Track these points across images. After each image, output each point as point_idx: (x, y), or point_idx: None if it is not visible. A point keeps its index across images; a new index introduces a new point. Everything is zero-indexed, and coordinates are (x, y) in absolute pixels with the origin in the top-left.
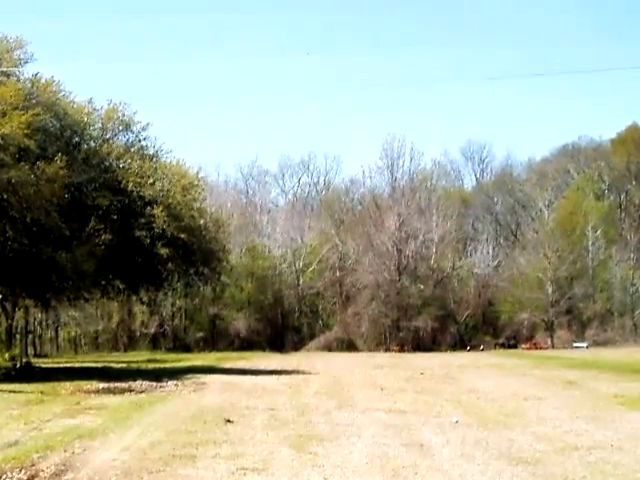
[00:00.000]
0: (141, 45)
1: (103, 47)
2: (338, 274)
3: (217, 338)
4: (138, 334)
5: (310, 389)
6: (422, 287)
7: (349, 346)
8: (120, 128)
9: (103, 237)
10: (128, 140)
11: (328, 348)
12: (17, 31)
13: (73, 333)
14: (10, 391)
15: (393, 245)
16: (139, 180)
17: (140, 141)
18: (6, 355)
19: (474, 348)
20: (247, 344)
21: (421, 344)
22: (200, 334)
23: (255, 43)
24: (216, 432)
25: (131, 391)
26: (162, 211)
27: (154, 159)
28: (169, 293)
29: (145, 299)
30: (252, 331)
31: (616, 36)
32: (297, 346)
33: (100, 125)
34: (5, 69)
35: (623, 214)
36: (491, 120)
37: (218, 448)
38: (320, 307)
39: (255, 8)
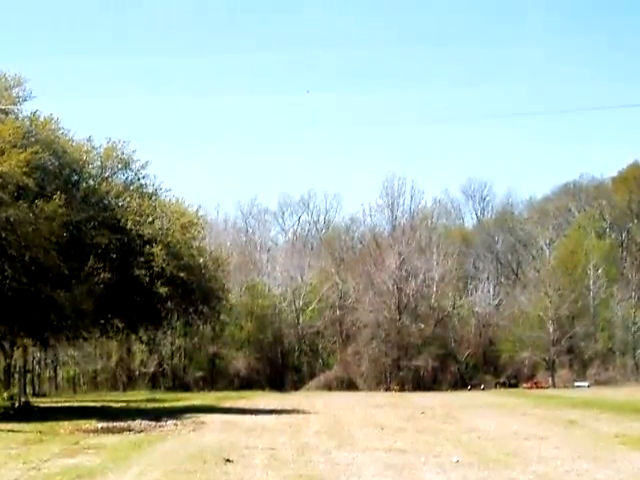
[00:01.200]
0: (141, 83)
1: (102, 84)
2: (338, 313)
3: (217, 377)
4: (137, 373)
5: (310, 428)
6: (423, 326)
7: (349, 385)
8: (119, 166)
9: (102, 276)
10: (127, 178)
11: (328, 387)
12: (16, 68)
13: (72, 372)
14: (9, 430)
15: (393, 284)
16: (138, 218)
17: (139, 179)
18: (4, 394)
19: (475, 387)
20: (247, 383)
21: (422, 383)
22: (199, 373)
23: (254, 81)
24: (216, 472)
25: (130, 430)
26: (161, 250)
27: (153, 197)
28: (168, 332)
29: (144, 338)
30: (252, 370)
31: (617, 74)
32: (297, 385)
33: (99, 163)
34: (4, 107)
35: (624, 253)
36: (492, 158)
37: None
38: (320, 346)
39: (254, 47)
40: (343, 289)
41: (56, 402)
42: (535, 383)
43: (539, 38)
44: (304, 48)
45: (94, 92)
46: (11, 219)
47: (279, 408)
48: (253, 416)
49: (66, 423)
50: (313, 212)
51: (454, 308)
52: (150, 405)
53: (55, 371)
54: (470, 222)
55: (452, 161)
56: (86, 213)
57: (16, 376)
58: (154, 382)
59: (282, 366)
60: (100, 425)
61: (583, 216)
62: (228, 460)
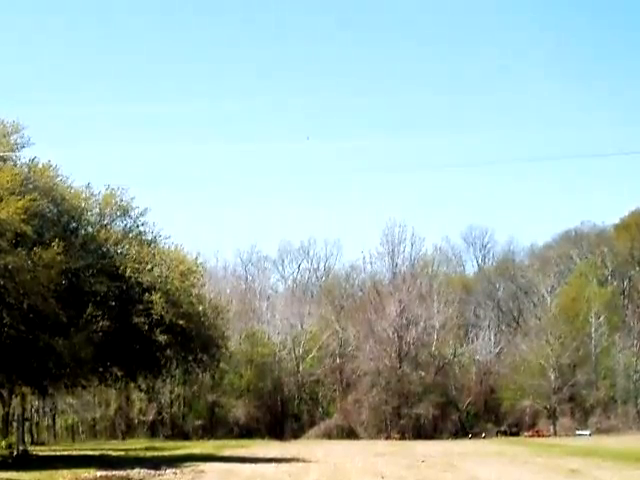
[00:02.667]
0: (140, 129)
1: (101, 131)
2: (338, 361)
3: (216, 425)
4: (136, 421)
5: (310, 477)
6: (423, 374)
7: (349, 433)
8: (118, 213)
9: (101, 324)
10: (126, 225)
11: (328, 436)
12: (14, 115)
13: (70, 420)
14: (7, 479)
15: (394, 332)
16: (137, 266)
17: (138, 226)
18: (3, 443)
19: (476, 435)
20: (246, 431)
21: (422, 431)
22: (199, 422)
23: (254, 128)
24: None
25: (129, 479)
26: (160, 297)
27: (152, 245)
28: (167, 380)
29: (143, 386)
30: (251, 418)
31: (619, 121)
32: (297, 434)
33: (98, 210)
34: (2, 154)
35: (626, 300)
36: (493, 205)
37: None
38: (320, 394)
39: (254, 93)
40: (343, 337)
41: (55, 450)
42: (536, 431)
43: (540, 86)
44: (304, 94)
45: (93, 139)
46: (9, 266)
47: (279, 457)
48: (252, 465)
49: (65, 472)
50: (313, 259)
51: (455, 356)
52: (149, 454)
53: (54, 419)
54: (471, 269)
55: (453, 208)
56: (85, 260)
57: (14, 424)
58: (153, 430)
59: (282, 414)
60: (99, 474)
61: (585, 263)
62: None
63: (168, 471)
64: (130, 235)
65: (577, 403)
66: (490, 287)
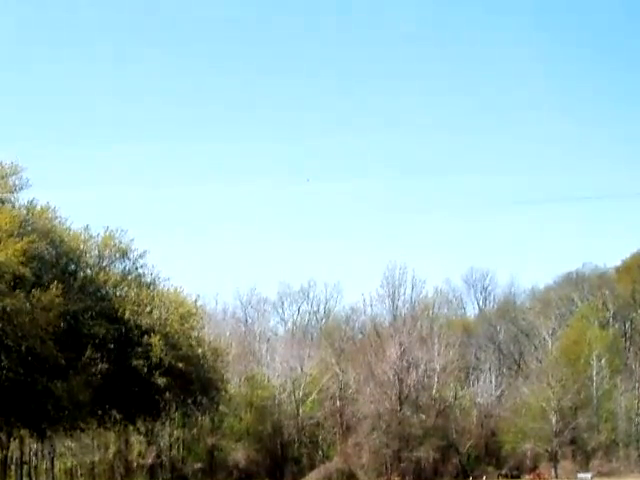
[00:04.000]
0: (139, 172)
1: (100, 173)
2: (338, 404)
3: (216, 469)
4: (135, 465)
5: None
6: (424, 417)
7: (349, 477)
8: (117, 255)
9: (99, 366)
10: (125, 268)
11: (328, 479)
12: (12, 157)
13: (69, 464)
14: None
15: (394, 374)
16: (136, 308)
17: (137, 269)
18: None
19: (477, 479)
20: (246, 475)
21: (423, 475)
22: (198, 465)
23: (254, 170)
24: None
25: None
26: (159, 340)
27: (151, 287)
28: (167, 423)
29: (142, 429)
30: (251, 462)
31: (621, 162)
32: (297, 477)
33: (97, 252)
34: (0, 195)
35: (628, 343)
36: (493, 247)
37: None
38: (320, 437)
39: (253, 135)
40: (343, 380)
41: None
42: (538, 474)
43: (542, 128)
44: (303, 137)
45: (91, 181)
46: (8, 309)
47: None
48: None
49: None
50: (313, 302)
51: (456, 399)
52: None
53: (52, 462)
54: (472, 312)
55: (454, 250)
56: (83, 303)
57: (13, 468)
58: (152, 473)
59: (282, 457)
60: None
61: (586, 306)
62: None
63: None
64: (129, 277)
65: (578, 446)
66: (491, 330)
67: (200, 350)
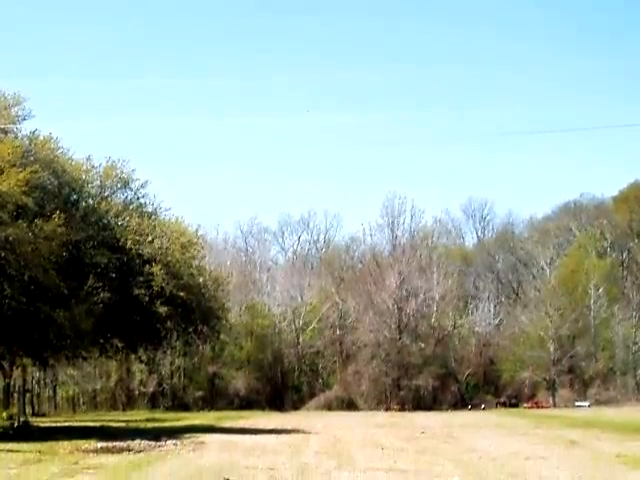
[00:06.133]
0: (141, 103)
1: (102, 104)
2: (338, 332)
3: (216, 397)
4: (137, 393)
5: (310, 448)
6: (423, 345)
7: (349, 405)
8: (119, 185)
9: (101, 295)
10: (127, 197)
11: (328, 407)
12: (15, 88)
13: (71, 392)
14: (8, 450)
15: (394, 303)
16: (138, 238)
17: (139, 198)
18: (4, 414)
19: (475, 407)
20: (246, 403)
21: (422, 403)
22: (199, 393)
23: (255, 101)
24: None
25: (130, 450)
26: (161, 269)
27: (153, 217)
28: (168, 352)
29: (144, 358)
30: (251, 390)
31: (618, 93)
32: (297, 405)
33: (98, 182)
34: (3, 126)
35: (625, 272)
36: (492, 178)
37: None
38: (320, 366)
39: (254, 67)
40: (343, 309)
41: (55, 422)
42: (536, 403)
43: (540, 58)
44: (304, 69)
45: (94, 111)
46: (10, 238)
47: (279, 428)
48: (253, 436)
49: (65, 443)
50: (313, 231)
51: (454, 328)
52: (150, 425)
53: (54, 391)
54: (470, 241)
55: (453, 181)
56: (85, 232)
57: (15, 396)
58: (154, 402)
59: (282, 386)
60: (99, 445)
61: (584, 236)
62: None
63: (169, 442)
64: (131, 207)
65: (576, 375)
66: (489, 259)
67: (201, 279)
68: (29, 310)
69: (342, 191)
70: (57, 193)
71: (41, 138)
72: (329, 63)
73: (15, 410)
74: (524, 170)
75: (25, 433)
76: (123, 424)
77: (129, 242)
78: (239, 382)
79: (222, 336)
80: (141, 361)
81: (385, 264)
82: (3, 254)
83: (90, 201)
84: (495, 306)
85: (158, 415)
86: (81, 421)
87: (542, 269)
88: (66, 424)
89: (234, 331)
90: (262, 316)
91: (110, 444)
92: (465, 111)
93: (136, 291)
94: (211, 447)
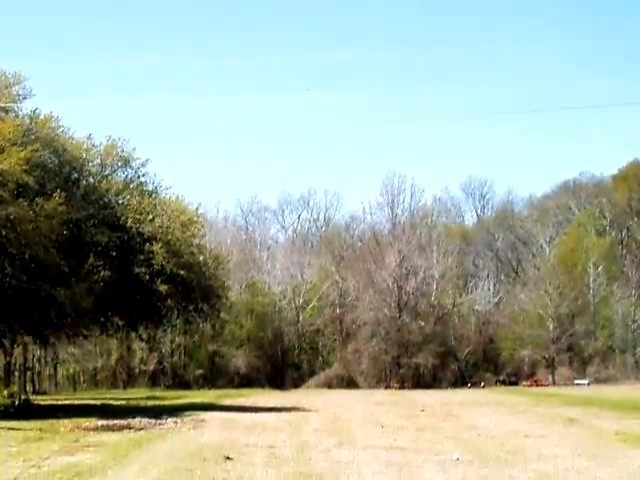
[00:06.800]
0: (141, 82)
1: (102, 83)
2: (338, 311)
3: (216, 375)
4: (137, 371)
5: (310, 426)
6: (423, 324)
7: (349, 383)
8: (119, 164)
9: (102, 274)
10: (127, 176)
11: (328, 385)
12: (16, 66)
13: (72, 370)
14: (8, 428)
15: (394, 282)
16: (138, 216)
17: (139, 177)
18: (4, 392)
19: (475, 385)
20: (247, 381)
21: (421, 381)
22: (199, 371)
23: (255, 80)
24: (216, 470)
25: (130, 428)
26: (161, 248)
27: (153, 195)
28: (168, 330)
29: (144, 336)
30: (252, 368)
31: (617, 71)
32: (297, 383)
33: (99, 161)
34: (3, 105)
35: (624, 250)
36: (492, 157)
37: None
38: (320, 344)
39: (255, 46)
40: (343, 287)
41: (56, 400)
42: (535, 381)
43: (538, 36)
44: (304, 48)
45: (94, 90)
46: (11, 217)
47: (279, 406)
48: (253, 414)
49: (66, 421)
50: (313, 210)
51: (454, 306)
52: (150, 403)
53: (55, 369)
54: (470, 220)
55: (452, 159)
56: (86, 211)
57: (16, 374)
58: (154, 380)
59: (282, 364)
60: (100, 423)
61: (583, 214)
62: (228, 458)
63: (169, 420)
64: (131, 186)
65: (575, 353)
66: (489, 237)
67: (201, 258)
68: (30, 288)
69: (342, 170)
70: (58, 172)
71: (42, 117)
72: (329, 41)
73: (16, 388)
74: (524, 149)
75: (26, 411)
76: (123, 402)
77: (129, 221)
78: (239, 360)
79: (222, 314)
80: (141, 339)
81: (385, 242)
82: (4, 232)
83: (91, 180)
84: (495, 284)
85: (158, 393)
86: (82, 399)
87: (541, 247)
88: (67, 402)
89: (234, 309)
90: (262, 294)
91: (111, 422)
92: (465, 89)
93: (136, 269)
94: (211, 425)
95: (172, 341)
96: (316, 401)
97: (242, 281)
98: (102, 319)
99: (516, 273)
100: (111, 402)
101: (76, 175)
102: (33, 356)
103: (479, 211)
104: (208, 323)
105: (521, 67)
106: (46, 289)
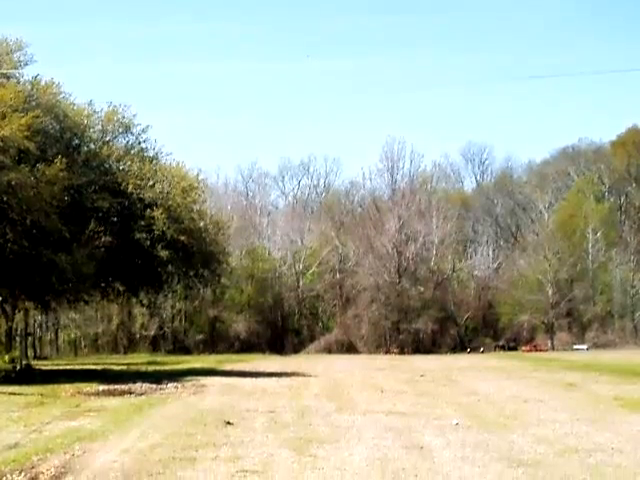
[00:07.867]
0: (142, 49)
1: (103, 50)
2: (338, 276)
3: (217, 340)
4: (138, 336)
5: (310, 391)
6: (422, 289)
7: (349, 348)
8: (120, 130)
9: (103, 239)
10: (128, 142)
11: (328, 350)
12: (17, 33)
13: (73, 335)
14: (10, 393)
15: (393, 247)
16: (139, 182)
17: (140, 143)
18: (6, 357)
19: (474, 350)
20: (247, 346)
21: (421, 346)
22: (200, 336)
23: (255, 47)
24: (216, 434)
25: (131, 393)
26: (162, 213)
27: (154, 161)
28: (169, 295)
29: (145, 301)
30: (252, 333)
31: (616, 38)
32: (297, 348)
33: (100, 127)
34: (5, 71)
35: (623, 216)
36: (491, 122)
37: (218, 450)
38: (320, 309)
39: (254, 12)
40: (343, 253)
41: (57, 365)
42: (534, 346)
43: (538, 2)
44: (304, 15)
45: (95, 57)
46: (12, 183)
47: (279, 371)
48: (253, 379)
49: (67, 386)
50: (313, 176)
51: (454, 271)
52: (151, 368)
53: (56, 334)
54: (469, 186)
55: (452, 125)
56: (87, 177)
57: (17, 339)
58: (155, 345)
59: (282, 329)
60: (101, 388)
61: (582, 180)
62: (228, 423)
63: (170, 385)
64: (132, 152)
65: (574, 318)
66: (488, 203)
67: (202, 223)
68: (31, 254)
69: (342, 136)
70: (59, 138)
71: (43, 83)
72: (329, 8)
73: (17, 353)
74: (523, 115)
75: (27, 376)
76: (124, 367)
77: (130, 186)
78: (240, 325)
79: (223, 280)
80: (142, 305)
81: (385, 208)
82: (5, 198)
83: (92, 146)
84: (494, 250)
85: (159, 358)
86: (83, 364)
87: (540, 213)
88: (68, 367)
89: (235, 275)
90: (262, 260)
91: (112, 387)
92: (465, 55)
93: (137, 235)
94: (212, 390)
95: (173, 306)
96: (316, 366)
97: (242, 247)
98: (103, 284)
99: (515, 239)
100: (112, 367)
101: (77, 141)
102: (34, 321)
103: (478, 177)
104: (208, 288)
105: (521, 33)
106: (47, 255)
